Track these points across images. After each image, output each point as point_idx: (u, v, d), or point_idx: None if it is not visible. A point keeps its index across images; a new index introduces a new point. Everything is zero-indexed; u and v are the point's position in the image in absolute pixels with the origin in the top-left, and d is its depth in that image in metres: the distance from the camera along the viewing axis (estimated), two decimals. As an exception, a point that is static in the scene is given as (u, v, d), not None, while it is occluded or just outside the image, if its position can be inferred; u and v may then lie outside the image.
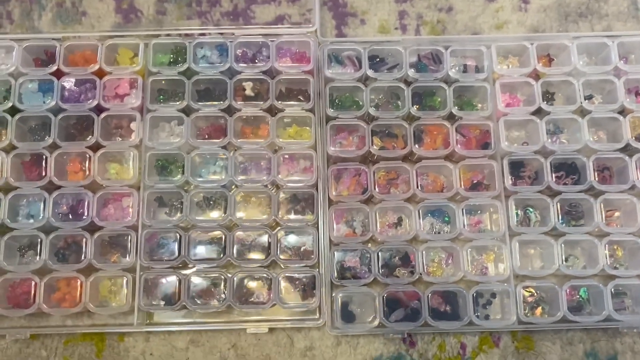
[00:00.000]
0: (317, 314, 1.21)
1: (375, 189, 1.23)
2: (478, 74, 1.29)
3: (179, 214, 1.23)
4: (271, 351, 1.22)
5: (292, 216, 1.24)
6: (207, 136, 1.27)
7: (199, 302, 1.19)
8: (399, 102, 1.31)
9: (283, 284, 1.21)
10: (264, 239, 1.22)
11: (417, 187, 1.22)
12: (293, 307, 1.19)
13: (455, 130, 1.25)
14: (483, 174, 1.27)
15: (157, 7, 1.41)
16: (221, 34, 1.34)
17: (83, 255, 1.19)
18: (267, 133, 1.27)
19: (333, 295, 1.19)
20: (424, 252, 1.20)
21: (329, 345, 1.22)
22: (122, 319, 1.21)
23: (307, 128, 1.29)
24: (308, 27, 1.33)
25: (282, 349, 1.22)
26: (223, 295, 1.19)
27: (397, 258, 1.22)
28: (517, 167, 1.26)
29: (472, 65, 1.33)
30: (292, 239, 1.23)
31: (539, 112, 1.27)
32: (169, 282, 1.20)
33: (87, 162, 1.24)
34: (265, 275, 1.20)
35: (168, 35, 1.34)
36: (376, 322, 1.17)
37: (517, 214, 1.23)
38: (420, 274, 1.19)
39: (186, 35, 1.35)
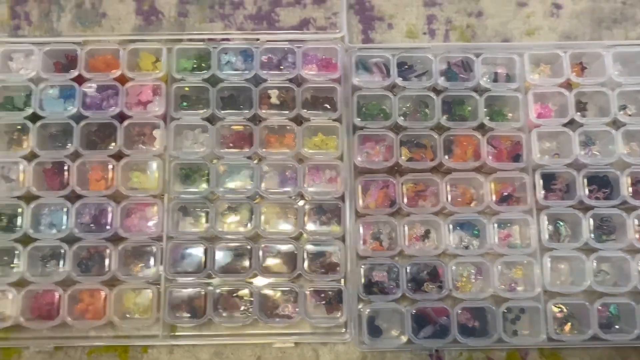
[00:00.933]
0: (344, 329, 1.19)
1: (403, 201, 1.20)
2: (509, 83, 1.26)
3: (203, 224, 1.21)
4: (296, 365, 1.20)
5: (317, 228, 1.22)
6: (231, 145, 1.24)
7: (224, 314, 1.18)
8: (426, 110, 1.28)
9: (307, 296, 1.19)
10: (289, 250, 1.20)
11: (447, 199, 1.20)
12: (321, 323, 1.17)
13: (487, 142, 1.22)
14: (513, 186, 1.24)
15: (179, 8, 1.37)
16: (245, 39, 1.31)
17: (107, 267, 1.17)
18: (293, 142, 1.24)
19: (360, 309, 1.17)
20: (453, 267, 1.18)
21: (355, 360, 1.21)
22: (146, 330, 1.20)
23: (333, 137, 1.26)
24: (335, 33, 1.29)
25: (308, 363, 1.21)
26: (248, 308, 1.17)
27: (425, 272, 1.20)
28: (548, 180, 1.23)
29: (502, 74, 1.29)
30: (315, 250, 1.21)
31: (570, 123, 1.24)
32: (194, 293, 1.18)
33: (109, 171, 1.21)
34: (290, 288, 1.18)
35: (190, 40, 1.30)
36: (404, 339, 1.15)
37: (547, 228, 1.20)
38: (450, 290, 1.17)
39: (209, 40, 1.32)
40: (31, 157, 1.21)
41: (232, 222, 1.22)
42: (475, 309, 1.18)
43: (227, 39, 1.31)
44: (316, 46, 1.27)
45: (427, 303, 1.17)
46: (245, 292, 1.18)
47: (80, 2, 1.37)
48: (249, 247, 1.19)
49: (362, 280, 1.18)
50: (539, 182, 1.21)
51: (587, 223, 1.19)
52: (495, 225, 1.20)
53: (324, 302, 1.19)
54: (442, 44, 1.33)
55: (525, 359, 1.22)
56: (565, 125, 1.24)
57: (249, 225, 1.20)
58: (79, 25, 1.35)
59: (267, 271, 1.19)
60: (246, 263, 1.19)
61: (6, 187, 1.21)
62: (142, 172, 1.23)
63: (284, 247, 1.20)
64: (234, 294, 1.18)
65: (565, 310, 1.19)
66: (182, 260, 1.19)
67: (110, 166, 1.21)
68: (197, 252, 1.19)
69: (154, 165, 1.22)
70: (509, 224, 1.24)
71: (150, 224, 1.20)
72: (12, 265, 1.19)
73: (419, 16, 1.37)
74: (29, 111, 1.22)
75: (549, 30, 1.36)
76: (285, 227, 1.22)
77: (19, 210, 1.19)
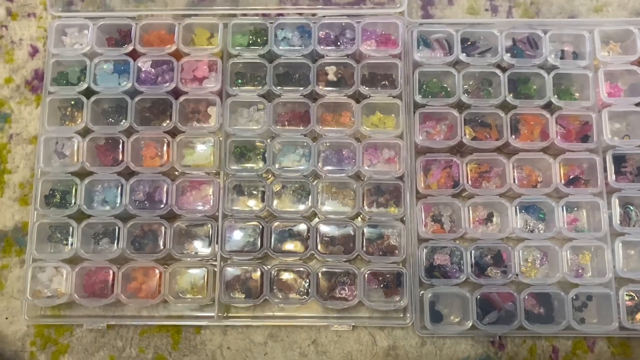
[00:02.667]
0: (402, 313, 1.16)
1: (467, 182, 1.15)
2: (578, 61, 1.20)
3: (258, 203, 1.17)
4: (352, 349, 1.17)
5: (375, 209, 1.18)
6: (286, 123, 1.21)
7: (280, 295, 1.14)
8: (490, 88, 1.22)
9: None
10: (346, 232, 1.16)
11: (514, 181, 1.15)
12: (380, 306, 1.13)
13: (556, 121, 1.16)
14: (581, 168, 1.18)
15: (233, -17, 1.34)
16: (300, 14, 1.27)
17: (161, 245, 1.15)
18: (349, 120, 1.21)
19: (421, 294, 1.13)
20: (520, 251, 1.13)
21: (414, 345, 1.16)
22: (199, 311, 1.17)
23: (391, 116, 1.22)
24: (395, 8, 1.25)
25: (364, 347, 1.17)
26: (304, 289, 1.14)
27: (489, 257, 1.15)
28: (618, 162, 1.17)
29: (569, 51, 1.24)
30: (374, 232, 1.17)
31: (642, 103, 1.18)
32: (250, 274, 1.15)
33: (163, 148, 1.19)
34: (348, 270, 1.14)
35: (244, 15, 1.27)
36: (469, 324, 1.11)
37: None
38: (517, 274, 1.12)
39: (263, 15, 1.28)
40: (84, 132, 1.19)
41: (286, 201, 1.18)
42: (540, 294, 1.13)
43: (282, 14, 1.28)
44: (375, 21, 1.23)
45: (492, 288, 1.12)
46: (301, 271, 1.15)
47: (132, -22, 1.35)
48: (305, 227, 1.15)
49: (424, 264, 1.13)
50: (611, 164, 1.15)
51: (661, 207, 1.13)
52: (564, 208, 1.14)
53: (382, 286, 1.15)
54: (507, 19, 1.28)
55: (592, 348, 1.16)
56: (637, 104, 1.18)
57: (303, 205, 1.16)
58: (131, 1, 1.33)
59: (323, 252, 1.15)
60: (301, 244, 1.15)
61: (59, 163, 1.19)
62: (195, 149, 1.20)
63: (341, 229, 1.16)
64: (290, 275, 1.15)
65: (637, 298, 1.14)
66: (238, 239, 1.16)
67: (165, 143, 1.19)
68: (252, 231, 1.16)
69: (210, 142, 1.19)
70: (575, 208, 1.19)
71: (205, 201, 1.17)
72: (64, 242, 1.17)
73: (480, -8, 1.32)
74: (83, 86, 1.20)
75: (618, 7, 1.30)
76: (342, 208, 1.18)
77: (73, 186, 1.17)
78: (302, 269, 1.14)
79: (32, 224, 1.16)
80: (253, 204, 1.18)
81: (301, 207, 1.17)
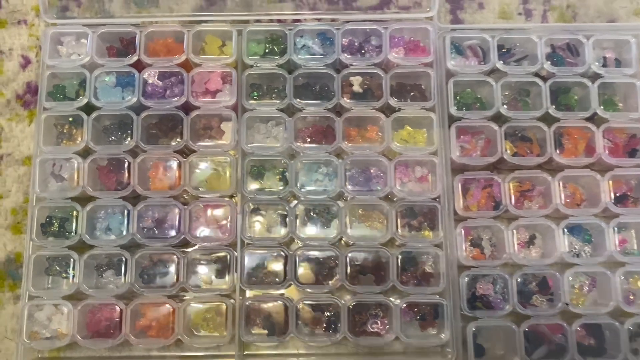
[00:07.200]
0: (441, 348, 1.05)
1: (510, 202, 1.06)
2: (623, 69, 1.12)
3: (281, 229, 1.07)
4: (387, 388, 1.06)
5: (407, 233, 1.07)
6: (307, 139, 1.10)
7: (305, 330, 1.03)
8: (527, 99, 1.13)
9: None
10: (376, 259, 1.06)
11: (560, 200, 1.05)
12: (420, 342, 1.03)
13: (602, 135, 1.07)
14: (629, 185, 1.09)
15: (244, -14, 1.23)
16: (318, 19, 1.17)
17: (174, 277, 1.03)
18: (376, 135, 1.10)
19: (464, 327, 1.03)
20: (570, 277, 1.03)
21: (454, 382, 1.06)
22: (215, 350, 1.06)
23: (422, 130, 1.12)
24: (423, 12, 1.15)
25: (400, 387, 1.06)
26: (332, 324, 1.03)
27: (533, 284, 1.05)
28: (667, 178, 1.08)
29: (611, 58, 1.15)
30: (408, 258, 1.06)
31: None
32: (272, 306, 1.04)
33: (173, 168, 1.08)
34: (382, 301, 1.04)
35: (257, 21, 1.16)
36: (517, 360, 1.01)
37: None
38: (567, 304, 1.02)
39: (278, 21, 1.18)
40: (85, 153, 1.08)
41: (311, 226, 1.07)
42: (590, 325, 1.04)
43: (299, 20, 1.17)
44: (404, 26, 1.13)
45: (540, 319, 1.02)
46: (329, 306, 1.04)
47: (133, -19, 1.23)
48: (332, 254, 1.05)
49: (466, 294, 1.03)
50: (662, 181, 1.06)
51: None
52: (615, 229, 1.05)
53: (417, 317, 1.05)
54: (545, 24, 1.19)
55: (647, 381, 1.07)
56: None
57: (328, 230, 1.06)
58: (133, 6, 1.21)
59: (352, 282, 1.04)
60: (328, 273, 1.05)
61: (57, 187, 1.07)
62: (210, 170, 1.09)
63: (370, 255, 1.06)
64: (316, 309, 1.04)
65: (696, 328, 1.05)
66: (257, 269, 1.05)
67: (174, 163, 1.07)
68: (275, 260, 1.05)
69: (227, 162, 1.08)
70: (623, 228, 1.09)
71: (222, 228, 1.06)
72: (64, 275, 1.05)
73: (513, -6, 1.22)
74: (83, 101, 1.08)
75: (659, 10, 1.21)
76: (370, 232, 1.07)
77: (72, 213, 1.05)
78: (330, 301, 1.04)
79: (28, 256, 1.04)
80: (274, 229, 1.07)
81: (326, 232, 1.06)
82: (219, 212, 1.07)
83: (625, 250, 1.08)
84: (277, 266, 1.05)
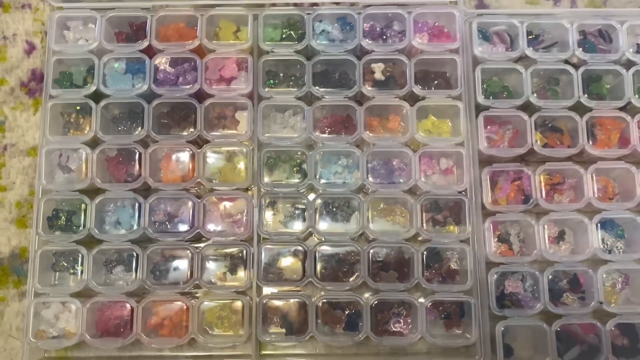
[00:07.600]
0: (465, 348, 1.00)
1: (541, 196, 1.00)
2: (658, 56, 1.06)
3: (297, 223, 1.02)
4: (410, 390, 1.01)
5: (431, 228, 1.02)
6: (326, 129, 1.05)
7: (325, 329, 0.99)
8: (557, 88, 1.08)
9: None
10: (398, 255, 1.01)
11: (593, 193, 1.00)
12: (446, 342, 0.98)
13: (637, 125, 1.02)
14: (661, 178, 1.04)
15: (258, -32, 1.17)
16: (337, 3, 1.12)
17: (188, 273, 0.98)
18: (398, 125, 1.05)
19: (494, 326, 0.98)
20: (604, 274, 0.98)
21: (481, 384, 1.01)
22: (231, 349, 1.01)
23: (446, 120, 1.07)
24: (448, -3, 1.09)
25: (424, 389, 1.01)
26: (353, 323, 0.98)
27: (564, 281, 1.00)
28: None
29: (645, 45, 1.09)
30: (432, 254, 1.01)
31: None
32: (290, 304, 0.99)
33: (186, 159, 1.02)
34: (404, 300, 0.99)
35: (273, 4, 1.11)
36: (549, 362, 0.96)
37: None
38: (601, 302, 0.97)
39: (295, 5, 1.12)
40: (93, 143, 1.03)
41: (330, 220, 1.02)
42: (623, 324, 0.99)
43: (316, 4, 1.12)
44: (427, 11, 1.07)
45: (572, 318, 0.97)
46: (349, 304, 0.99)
47: (143, -37, 1.17)
48: (354, 249, 1.00)
49: (494, 292, 0.98)
50: (700, 174, 1.01)
51: None
52: (650, 224, 1.00)
53: (442, 316, 1.00)
54: (574, 9, 1.13)
55: (681, 383, 1.02)
56: None
57: (348, 224, 1.01)
58: (148, -10, 1.16)
59: (375, 279, 0.99)
60: (349, 269, 1.00)
61: (64, 178, 1.02)
62: (225, 161, 1.04)
63: (393, 251, 1.01)
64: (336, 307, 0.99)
65: None
66: (274, 265, 1.00)
67: (187, 154, 1.02)
68: (292, 256, 1.00)
69: (243, 153, 1.03)
70: (656, 223, 1.04)
71: (238, 222, 1.01)
72: (71, 271, 1.00)
73: (540, -21, 1.17)
74: (91, 88, 1.03)
75: (693, -5, 1.16)
76: (392, 227, 1.02)
77: (80, 206, 1.00)
78: (351, 299, 0.99)
79: (34, 252, 0.99)
80: (293, 224, 1.02)
81: (346, 227, 1.01)
82: (234, 205, 1.02)
83: (657, 246, 1.03)
84: (296, 262, 1.00)
